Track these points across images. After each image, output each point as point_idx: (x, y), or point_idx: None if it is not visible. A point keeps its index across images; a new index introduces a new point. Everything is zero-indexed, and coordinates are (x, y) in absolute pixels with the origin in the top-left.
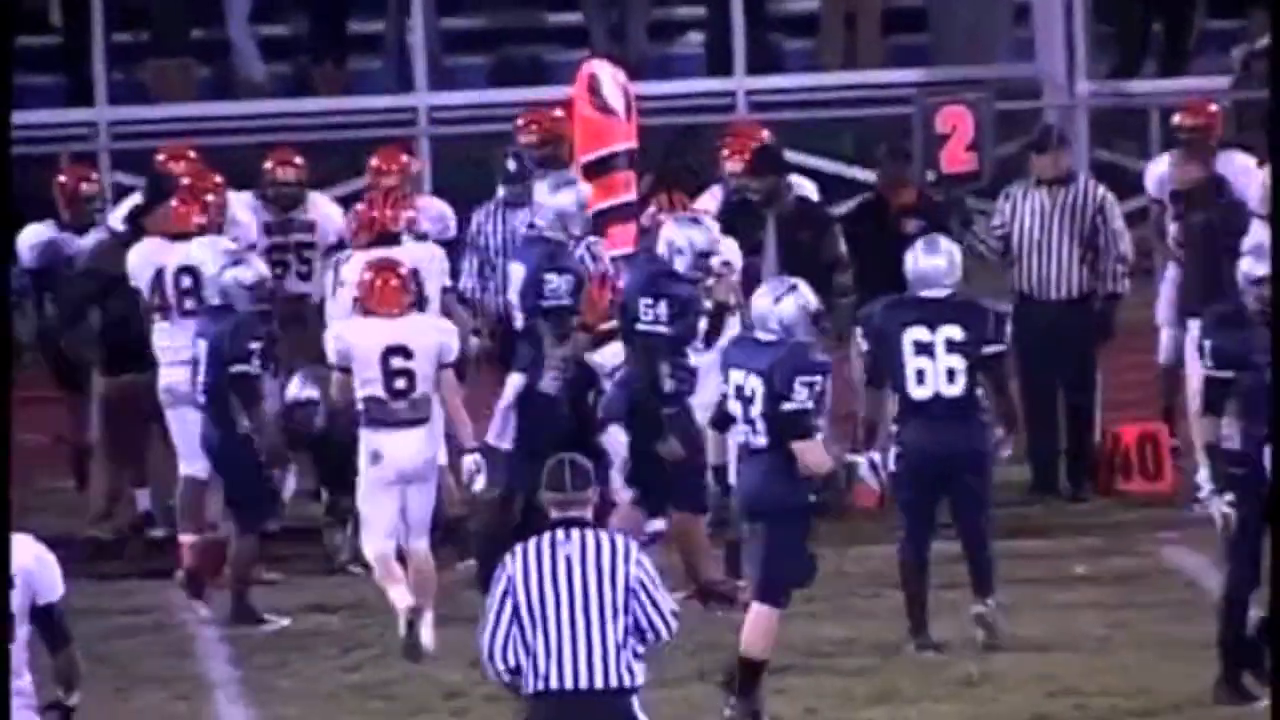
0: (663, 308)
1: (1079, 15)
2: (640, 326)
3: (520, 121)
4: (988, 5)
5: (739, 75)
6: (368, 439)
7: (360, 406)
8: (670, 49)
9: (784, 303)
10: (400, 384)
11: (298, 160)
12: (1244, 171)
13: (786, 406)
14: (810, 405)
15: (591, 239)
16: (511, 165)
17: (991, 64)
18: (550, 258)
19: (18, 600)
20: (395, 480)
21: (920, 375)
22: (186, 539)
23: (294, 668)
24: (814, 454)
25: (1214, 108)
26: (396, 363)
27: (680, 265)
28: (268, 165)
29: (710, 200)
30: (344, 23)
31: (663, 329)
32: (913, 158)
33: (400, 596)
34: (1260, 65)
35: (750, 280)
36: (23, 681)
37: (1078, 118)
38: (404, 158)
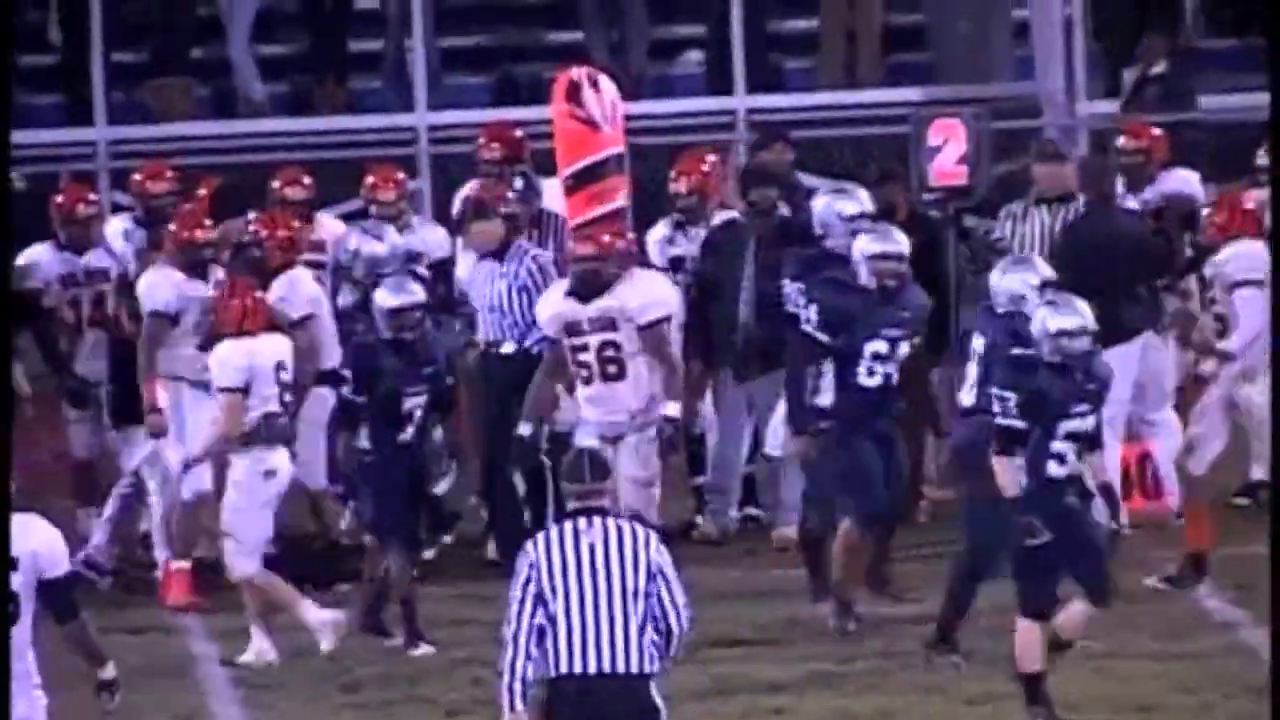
0: (813, 311)
1: (1078, 34)
2: (802, 328)
3: (482, 140)
4: (987, 24)
5: (739, 94)
6: (260, 458)
7: (253, 427)
8: (670, 68)
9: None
10: (288, 397)
11: (306, 179)
12: (1187, 185)
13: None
14: (1008, 421)
15: (535, 252)
16: (519, 184)
17: (992, 82)
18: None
19: (22, 580)
20: (277, 496)
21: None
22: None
23: (293, 688)
24: (999, 472)
25: (1156, 131)
26: (284, 377)
27: (831, 243)
28: (276, 184)
29: (664, 226)
30: (344, 41)
31: (817, 334)
32: (899, 177)
33: (307, 606)
34: (1155, 89)
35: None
36: (25, 663)
37: (1078, 137)
38: (400, 175)
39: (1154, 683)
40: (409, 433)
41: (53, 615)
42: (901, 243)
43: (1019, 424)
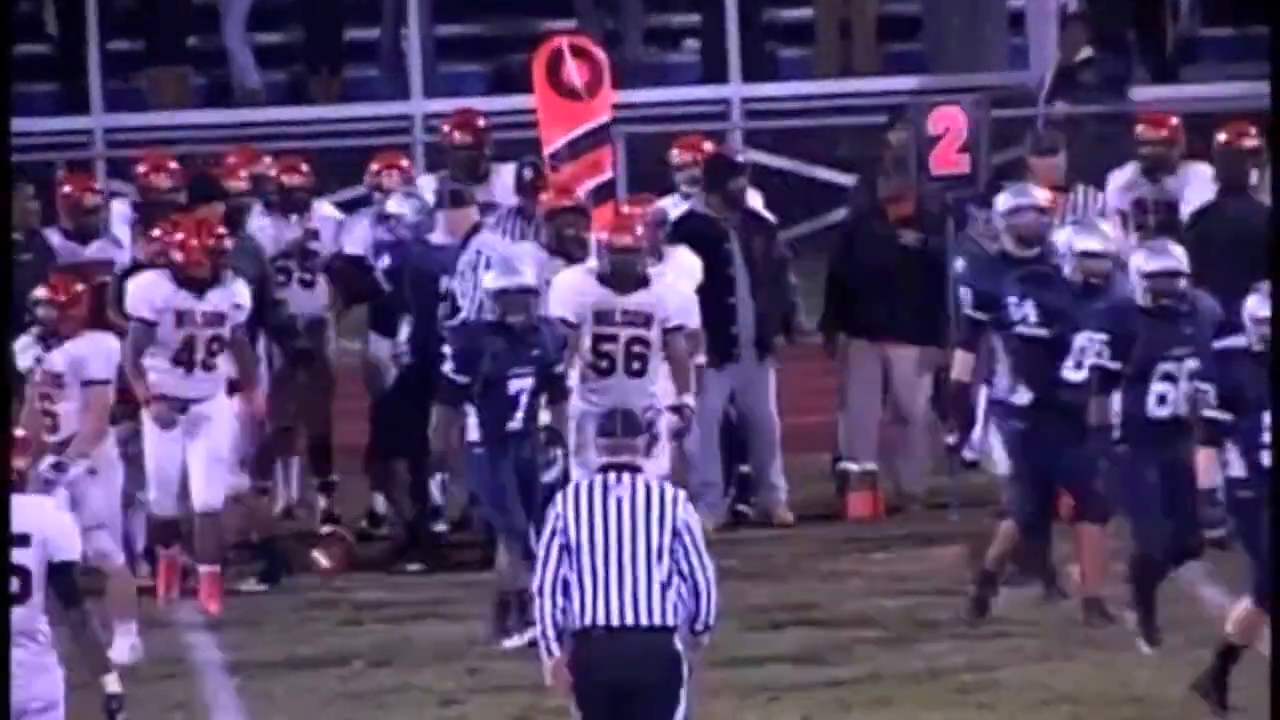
0: (1030, 308)
1: None
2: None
3: (447, 127)
4: (982, 13)
5: (734, 83)
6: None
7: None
8: (665, 56)
9: None
10: None
11: (304, 167)
12: (1205, 182)
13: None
14: (1212, 413)
15: (484, 242)
16: (527, 174)
17: (986, 71)
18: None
19: (34, 558)
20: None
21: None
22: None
23: (289, 677)
24: (1203, 463)
25: (1175, 121)
26: None
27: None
28: (273, 172)
29: (670, 208)
30: (340, 30)
31: (1036, 332)
32: (909, 167)
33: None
34: (1087, 74)
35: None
36: (43, 638)
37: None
38: (404, 162)
39: (1148, 674)
40: (517, 419)
41: (60, 600)
42: (1111, 241)
43: (1224, 416)
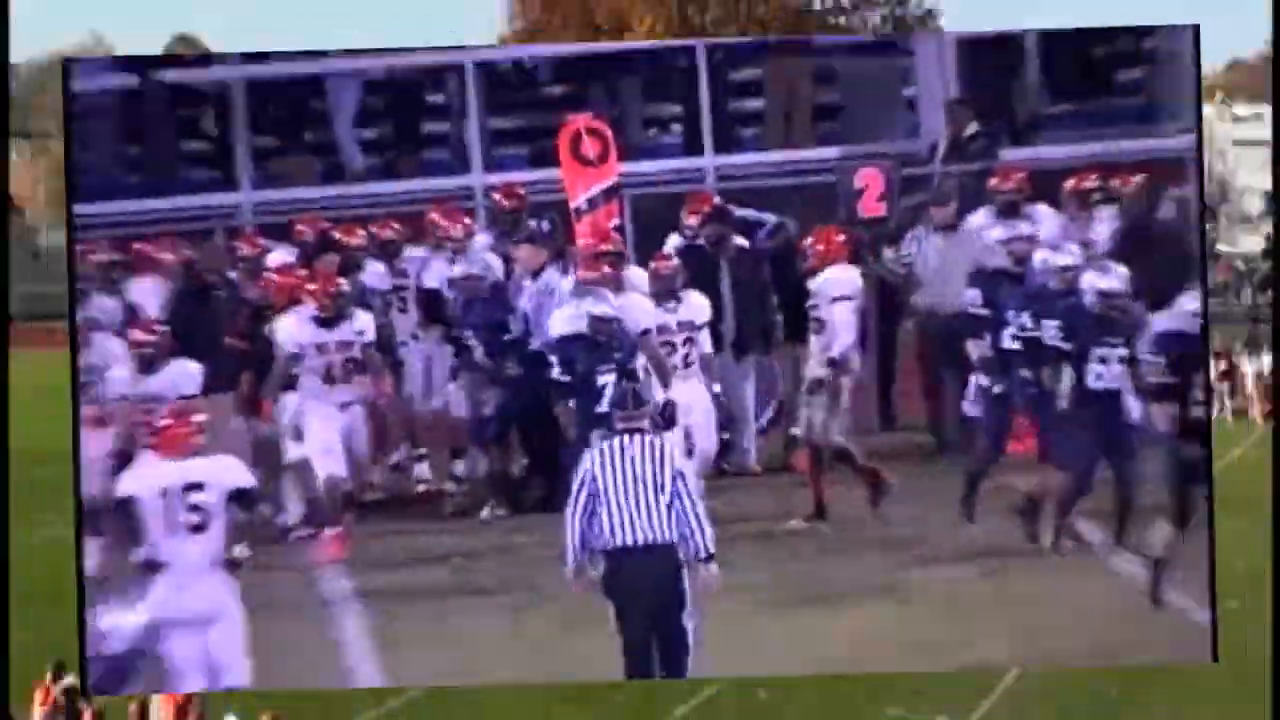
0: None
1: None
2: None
3: (497, 195)
4: (886, 100)
5: (709, 155)
6: None
7: None
8: (657, 136)
9: None
10: None
11: (395, 225)
12: (1052, 219)
13: None
14: None
15: (546, 284)
16: (545, 227)
17: (889, 141)
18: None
19: (214, 498)
20: None
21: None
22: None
23: (413, 597)
24: None
25: (1021, 174)
26: None
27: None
28: (375, 229)
29: (671, 248)
30: (419, 124)
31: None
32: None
33: None
34: (975, 145)
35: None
36: (215, 570)
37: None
38: (466, 219)
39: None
40: (604, 405)
41: (246, 509)
42: (1126, 281)
43: None
